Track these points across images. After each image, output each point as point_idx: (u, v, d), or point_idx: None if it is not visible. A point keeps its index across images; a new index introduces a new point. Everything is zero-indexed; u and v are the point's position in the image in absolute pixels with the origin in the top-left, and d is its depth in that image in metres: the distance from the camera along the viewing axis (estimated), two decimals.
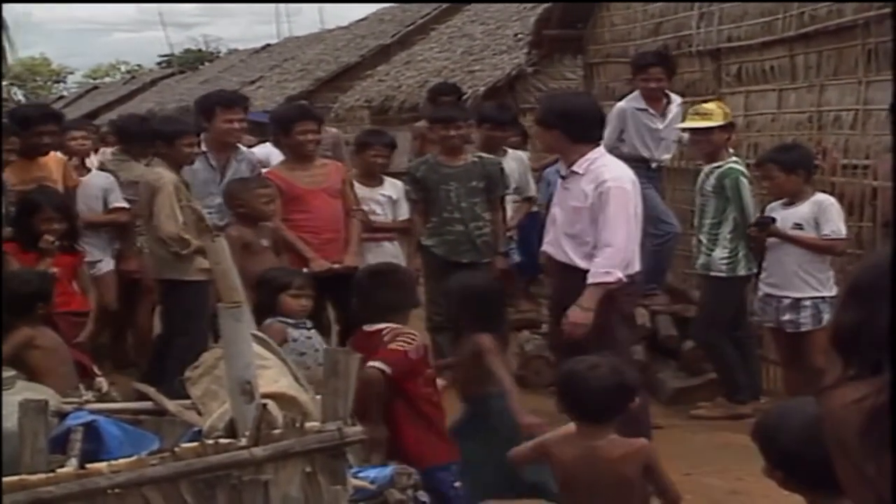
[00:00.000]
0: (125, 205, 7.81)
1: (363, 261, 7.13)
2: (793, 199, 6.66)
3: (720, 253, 6.94)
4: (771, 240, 6.72)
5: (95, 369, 5.75)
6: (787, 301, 6.63)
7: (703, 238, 7.04)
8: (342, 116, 18.25)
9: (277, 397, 3.32)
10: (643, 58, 8.20)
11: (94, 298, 6.67)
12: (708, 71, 8.87)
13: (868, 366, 1.39)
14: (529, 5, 16.21)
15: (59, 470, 2.98)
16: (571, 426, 3.94)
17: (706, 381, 7.44)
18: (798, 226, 6.59)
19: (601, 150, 5.78)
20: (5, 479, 2.81)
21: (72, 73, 69.51)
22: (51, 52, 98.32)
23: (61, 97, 49.25)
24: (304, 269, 6.91)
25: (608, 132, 7.95)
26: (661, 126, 7.90)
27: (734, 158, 7.08)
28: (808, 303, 6.56)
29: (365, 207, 7.51)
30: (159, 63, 49.34)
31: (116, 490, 2.87)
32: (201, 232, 6.49)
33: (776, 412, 2.83)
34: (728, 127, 7.06)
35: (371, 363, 4.37)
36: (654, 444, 3.93)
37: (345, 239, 7.17)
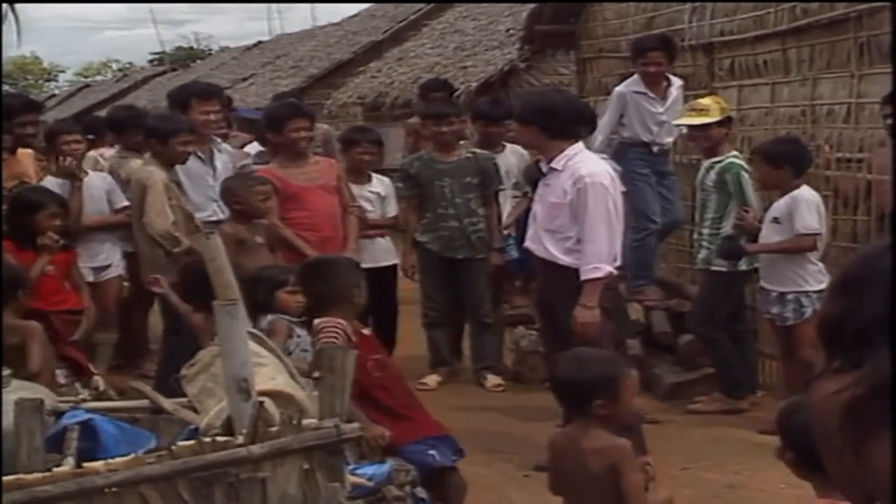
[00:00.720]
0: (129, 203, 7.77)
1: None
2: (783, 192, 6.64)
3: None
4: (761, 234, 6.71)
5: (91, 367, 5.76)
6: (773, 294, 6.64)
7: (705, 232, 7.03)
8: (335, 113, 18.24)
9: (274, 395, 3.31)
10: (643, 42, 8.18)
11: (87, 296, 6.63)
12: (701, 65, 8.86)
13: (851, 358, 1.39)
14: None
15: (55, 469, 2.96)
16: None
17: (703, 376, 7.43)
18: (776, 220, 6.58)
19: (580, 145, 5.80)
20: (2, 478, 2.80)
21: (63, 71, 69.40)
22: (41, 50, 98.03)
23: (53, 95, 49.15)
24: None
25: (607, 117, 7.96)
26: (661, 109, 7.89)
27: (734, 153, 7.07)
28: (790, 297, 6.56)
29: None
30: (151, 61, 49.25)
31: (113, 489, 2.86)
32: (191, 231, 6.48)
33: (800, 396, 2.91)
34: (726, 121, 7.06)
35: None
36: (629, 449, 3.91)
37: (343, 236, 7.16)
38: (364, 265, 7.15)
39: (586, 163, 5.74)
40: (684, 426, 6.83)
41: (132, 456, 2.99)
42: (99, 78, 58.21)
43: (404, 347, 7.83)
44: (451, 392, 7.66)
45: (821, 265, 6.58)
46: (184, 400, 3.72)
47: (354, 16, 27.75)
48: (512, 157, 8.02)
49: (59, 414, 3.56)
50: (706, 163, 7.11)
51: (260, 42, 34.36)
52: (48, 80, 66.59)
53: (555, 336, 5.72)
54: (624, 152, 7.83)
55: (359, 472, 3.66)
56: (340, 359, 3.25)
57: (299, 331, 5.11)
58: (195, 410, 3.59)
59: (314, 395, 3.40)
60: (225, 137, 8.85)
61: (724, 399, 7.05)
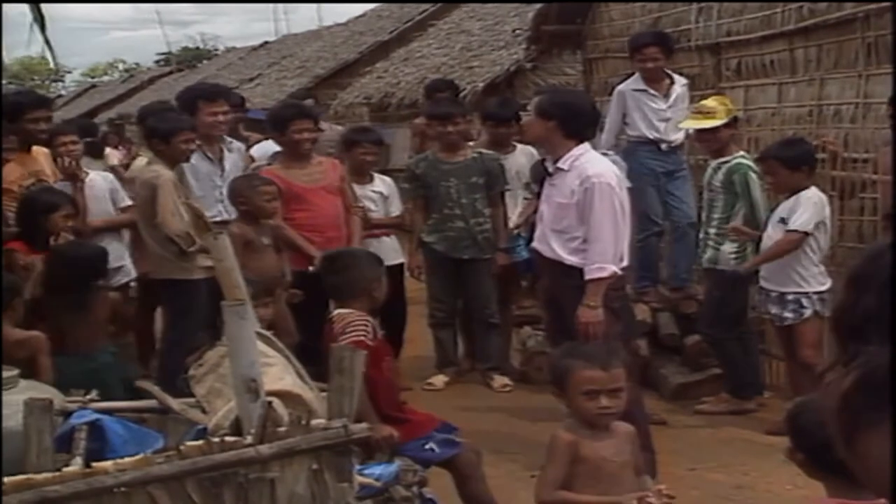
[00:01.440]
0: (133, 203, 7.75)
1: None
2: (791, 192, 6.63)
3: (729, 248, 6.93)
4: (767, 233, 6.69)
5: None
6: (773, 294, 6.64)
7: (712, 232, 7.03)
8: (341, 114, 18.23)
9: (282, 395, 3.31)
10: (639, 38, 8.19)
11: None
12: (707, 65, 8.85)
13: (850, 352, 1.41)
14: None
15: (65, 469, 2.97)
16: None
17: (709, 376, 7.44)
18: (782, 220, 6.58)
19: (586, 146, 5.80)
20: (12, 478, 2.81)
21: (70, 72, 69.48)
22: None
23: (60, 96, 49.23)
24: (310, 268, 6.91)
25: (611, 118, 7.96)
26: (664, 106, 7.88)
27: (741, 153, 7.07)
28: (790, 297, 6.55)
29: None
30: (157, 61, 49.35)
31: (122, 489, 2.86)
32: (200, 230, 6.48)
33: (810, 396, 2.92)
34: (732, 121, 7.05)
35: None
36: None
37: (347, 236, 7.16)
38: None
39: (593, 163, 5.74)
40: (691, 427, 6.83)
41: (141, 456, 3.00)
42: (105, 78, 58.31)
43: (411, 348, 7.83)
44: (457, 392, 7.67)
45: (822, 267, 6.57)
46: (192, 400, 3.73)
47: (360, 16, 27.73)
48: (522, 158, 8.01)
49: (67, 414, 3.57)
50: (713, 163, 7.11)
51: (266, 42, 34.35)
52: (55, 81, 66.68)
53: (563, 336, 5.70)
54: (633, 151, 7.85)
55: (367, 472, 3.66)
56: (350, 359, 3.25)
57: None
58: (203, 411, 3.60)
59: (322, 396, 3.41)
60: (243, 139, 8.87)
61: (731, 400, 7.05)
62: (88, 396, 3.92)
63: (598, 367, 3.73)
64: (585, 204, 5.60)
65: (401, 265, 7.89)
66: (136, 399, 4.21)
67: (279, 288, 6.54)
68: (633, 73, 8.24)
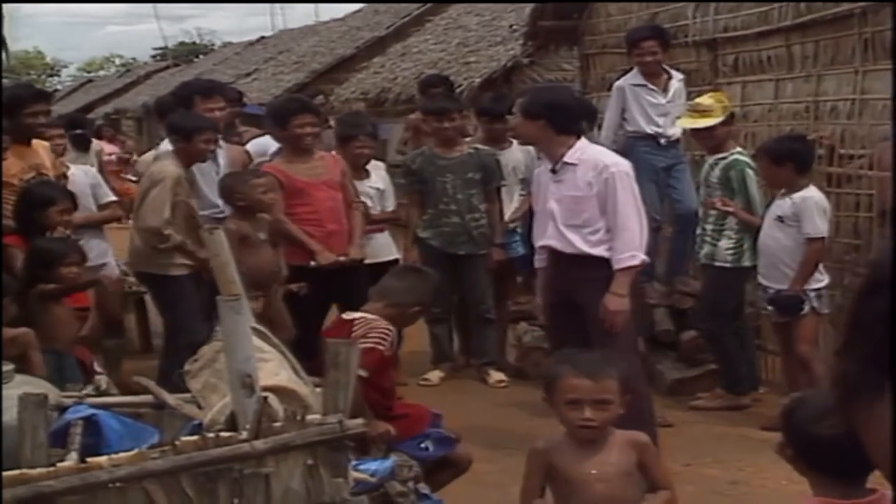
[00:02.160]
0: (115, 198, 7.73)
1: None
2: (787, 190, 6.63)
3: (726, 243, 6.94)
4: (764, 230, 6.69)
5: (96, 366, 5.73)
6: (770, 291, 6.64)
7: (708, 228, 7.03)
8: (338, 109, 18.22)
9: (278, 390, 3.31)
10: (637, 32, 8.19)
11: (93, 293, 6.58)
12: (704, 61, 8.85)
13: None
14: None
15: (59, 464, 2.97)
16: None
17: (705, 372, 7.44)
18: (779, 218, 6.57)
19: (585, 140, 5.79)
20: (6, 473, 2.80)
21: (66, 66, 69.45)
22: (43, 45, 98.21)
23: (56, 90, 49.16)
24: (312, 263, 6.91)
25: (609, 114, 7.96)
26: (664, 101, 7.88)
27: (738, 149, 7.06)
28: (776, 295, 6.56)
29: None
30: (154, 56, 49.29)
31: (117, 484, 2.86)
32: (192, 229, 6.47)
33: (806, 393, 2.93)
34: (729, 118, 7.05)
35: None
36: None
37: (348, 231, 7.16)
38: (366, 261, 7.19)
39: (603, 153, 5.74)
40: (686, 423, 6.83)
41: (136, 451, 2.99)
42: (102, 73, 58.23)
43: (406, 343, 7.81)
44: (453, 388, 7.66)
45: (819, 264, 6.57)
46: (187, 395, 3.72)
47: (357, 11, 27.74)
48: (519, 153, 8.01)
49: (62, 409, 3.57)
50: (710, 159, 7.11)
51: (263, 37, 34.35)
52: (51, 76, 66.61)
53: (571, 335, 5.60)
54: (632, 146, 7.83)
55: (362, 467, 3.66)
56: (345, 354, 3.25)
57: None
58: (198, 406, 3.60)
59: (317, 391, 3.40)
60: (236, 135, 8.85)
61: (727, 395, 7.06)
62: (84, 391, 3.92)
63: (584, 377, 3.47)
64: (608, 194, 5.58)
65: (395, 261, 7.88)
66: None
67: (275, 283, 6.55)
68: (630, 69, 8.24)
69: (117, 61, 64.47)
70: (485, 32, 17.10)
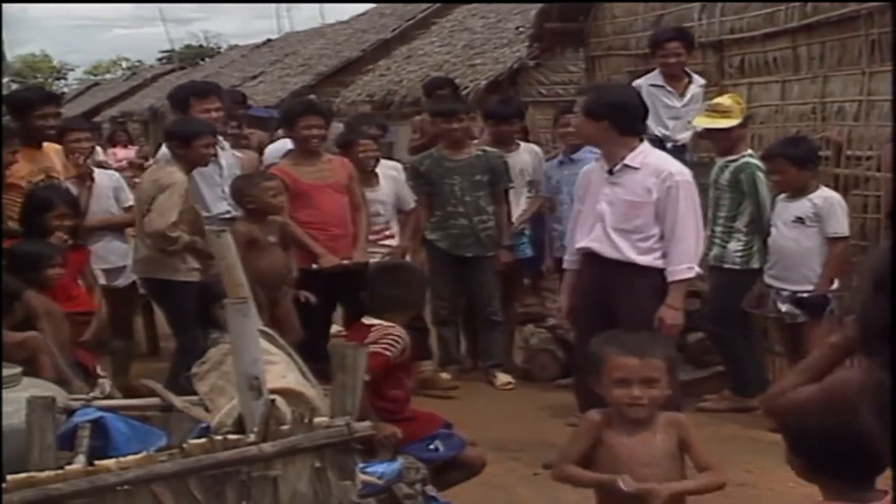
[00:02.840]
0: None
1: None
2: (798, 192, 6.62)
3: (735, 246, 6.93)
4: (775, 231, 6.69)
5: (99, 370, 5.73)
6: (785, 293, 6.62)
7: (718, 230, 7.02)
8: (344, 111, 18.23)
9: (285, 393, 3.31)
10: (662, 33, 8.16)
11: (99, 298, 6.58)
12: (711, 63, 8.83)
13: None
14: None
15: (67, 467, 2.97)
16: None
17: (712, 374, 7.43)
18: (799, 219, 6.56)
19: (648, 144, 5.73)
20: (14, 476, 2.80)
21: (72, 69, 69.57)
22: (49, 48, 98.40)
23: (63, 93, 49.22)
24: (314, 265, 6.91)
25: None
26: (678, 105, 7.86)
27: (749, 151, 7.06)
28: (805, 296, 6.55)
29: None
30: (160, 59, 49.38)
31: (125, 487, 2.86)
32: (197, 234, 6.46)
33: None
34: (744, 121, 7.05)
35: None
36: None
37: (353, 235, 7.15)
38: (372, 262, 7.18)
39: (668, 160, 5.68)
40: (694, 424, 6.76)
41: (144, 454, 3.00)
42: (108, 76, 58.33)
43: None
44: (460, 390, 7.66)
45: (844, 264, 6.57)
46: (195, 398, 3.73)
47: (363, 14, 27.73)
48: (526, 156, 8.01)
49: (69, 412, 3.57)
50: (720, 161, 7.10)
51: (269, 40, 34.35)
52: (58, 79, 66.71)
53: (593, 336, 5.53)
54: None
55: (369, 470, 3.66)
56: (352, 357, 3.25)
57: None
58: (206, 408, 3.60)
59: (325, 393, 3.40)
60: (241, 136, 8.86)
61: (734, 397, 7.05)
62: (92, 394, 3.92)
63: (632, 355, 3.56)
64: (668, 202, 5.52)
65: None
66: None
67: (285, 285, 6.55)
68: (636, 72, 8.23)
69: (124, 64, 64.57)
70: (490, 35, 17.09)
